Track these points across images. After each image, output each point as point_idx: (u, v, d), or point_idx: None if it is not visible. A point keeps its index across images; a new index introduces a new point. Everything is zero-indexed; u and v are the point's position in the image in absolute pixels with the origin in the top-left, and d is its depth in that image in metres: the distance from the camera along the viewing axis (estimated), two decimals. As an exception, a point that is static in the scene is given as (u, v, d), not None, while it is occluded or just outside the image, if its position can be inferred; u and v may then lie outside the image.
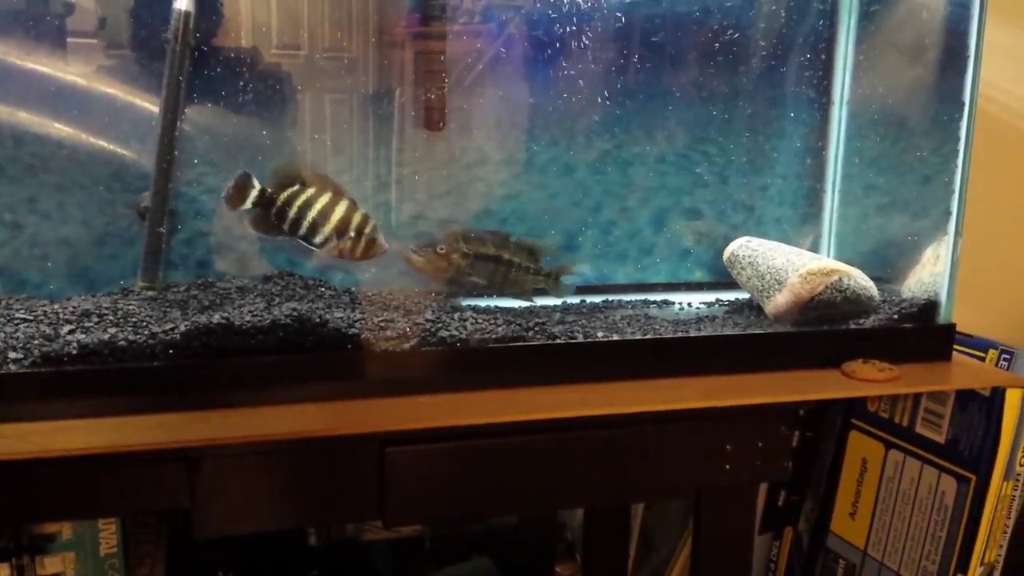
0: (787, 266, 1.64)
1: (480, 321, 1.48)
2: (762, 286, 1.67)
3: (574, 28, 1.72)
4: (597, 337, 1.49)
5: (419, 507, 1.39)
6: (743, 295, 1.79)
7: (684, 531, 1.99)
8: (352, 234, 1.51)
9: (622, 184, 1.83)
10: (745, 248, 1.74)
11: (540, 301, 1.66)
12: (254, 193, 1.48)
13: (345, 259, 1.53)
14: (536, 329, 1.48)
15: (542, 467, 1.42)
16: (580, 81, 1.75)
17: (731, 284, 1.80)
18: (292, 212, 1.49)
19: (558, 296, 1.69)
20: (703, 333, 1.58)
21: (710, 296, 1.84)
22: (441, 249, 1.60)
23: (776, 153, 1.92)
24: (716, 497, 1.53)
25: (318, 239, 1.51)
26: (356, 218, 1.51)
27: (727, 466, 1.47)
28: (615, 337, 1.50)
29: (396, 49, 1.66)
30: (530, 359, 1.45)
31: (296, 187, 1.50)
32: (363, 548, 1.83)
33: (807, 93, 1.90)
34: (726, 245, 1.79)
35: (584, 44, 1.73)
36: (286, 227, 1.50)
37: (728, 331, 1.59)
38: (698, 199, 1.89)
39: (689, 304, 1.79)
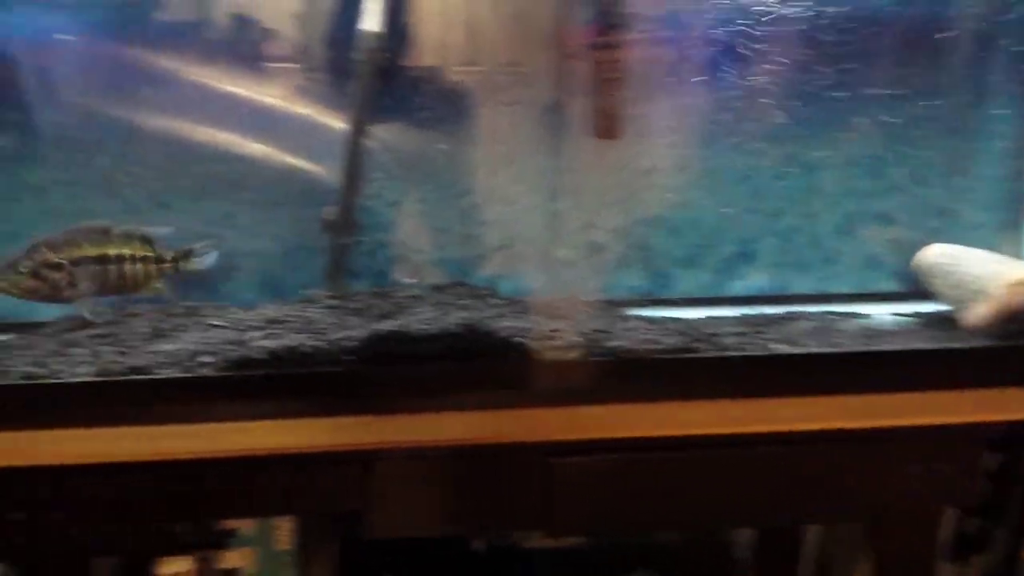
0: (989, 275, 1.49)
1: (649, 331, 1.44)
2: (959, 296, 1.53)
3: (754, 29, 1.65)
4: (774, 350, 1.41)
5: (584, 518, 1.37)
6: (935, 306, 1.64)
7: (863, 557, 1.85)
8: None
9: (806, 189, 1.73)
10: (939, 255, 1.60)
11: (706, 312, 1.59)
12: None
13: None
14: (708, 341, 1.43)
15: (711, 483, 1.36)
16: (761, 83, 1.68)
17: (921, 294, 1.66)
18: None
19: (187, 277, 1.55)
20: (889, 346, 1.46)
21: (898, 307, 1.70)
22: (23, 268, 1.41)
23: (977, 154, 1.75)
24: (897, 522, 1.41)
25: None
26: None
27: (910, 489, 1.36)
28: (793, 350, 1.42)
29: (572, 60, 1.66)
30: (701, 371, 1.39)
31: None
32: (525, 555, 1.82)
33: (1013, 89, 1.73)
34: (916, 252, 1.65)
35: (765, 45, 1.66)
36: None
37: (918, 344, 1.46)
38: (888, 204, 1.75)
39: (876, 315, 1.66)
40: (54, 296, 1.42)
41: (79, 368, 1.33)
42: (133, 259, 1.44)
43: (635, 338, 1.42)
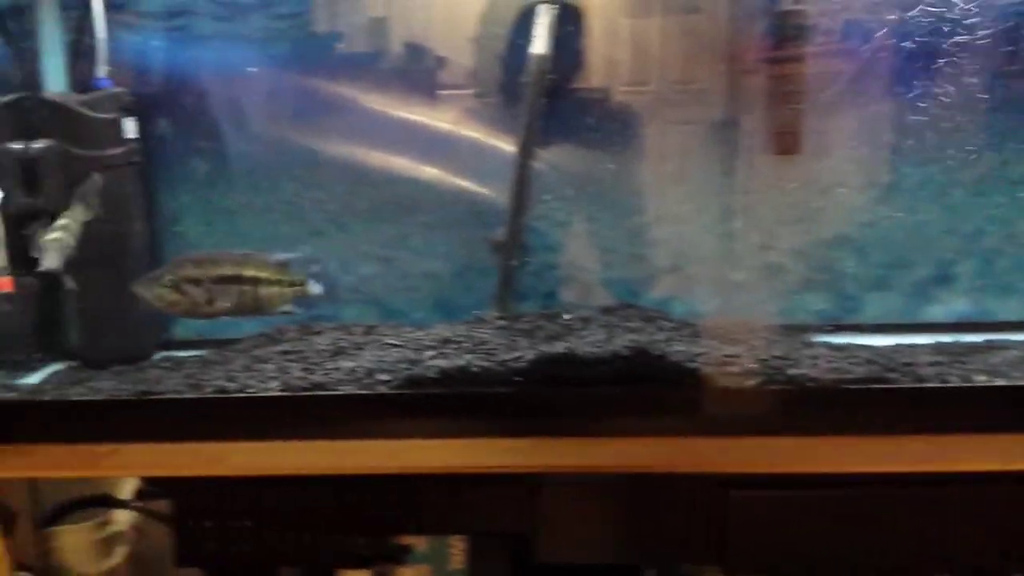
0: None
1: (835, 359, 1.36)
2: None
3: (945, 36, 1.53)
4: (977, 381, 1.29)
5: (763, 556, 1.30)
6: None
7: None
8: None
9: (1010, 206, 1.59)
10: None
11: (897, 339, 1.48)
12: None
13: None
14: (902, 370, 1.32)
15: (902, 526, 1.25)
16: (953, 93, 1.56)
17: None
18: None
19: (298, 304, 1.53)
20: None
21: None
22: (167, 281, 1.44)
23: None
24: None
25: None
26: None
27: None
28: (999, 382, 1.29)
29: (747, 75, 1.60)
30: (894, 403, 1.29)
31: None
32: (698, 591, 1.76)
33: None
34: None
35: (958, 53, 1.54)
36: None
37: None
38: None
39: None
40: (192, 311, 1.48)
41: (268, 383, 1.40)
42: (268, 282, 1.51)
43: (819, 366, 1.33)
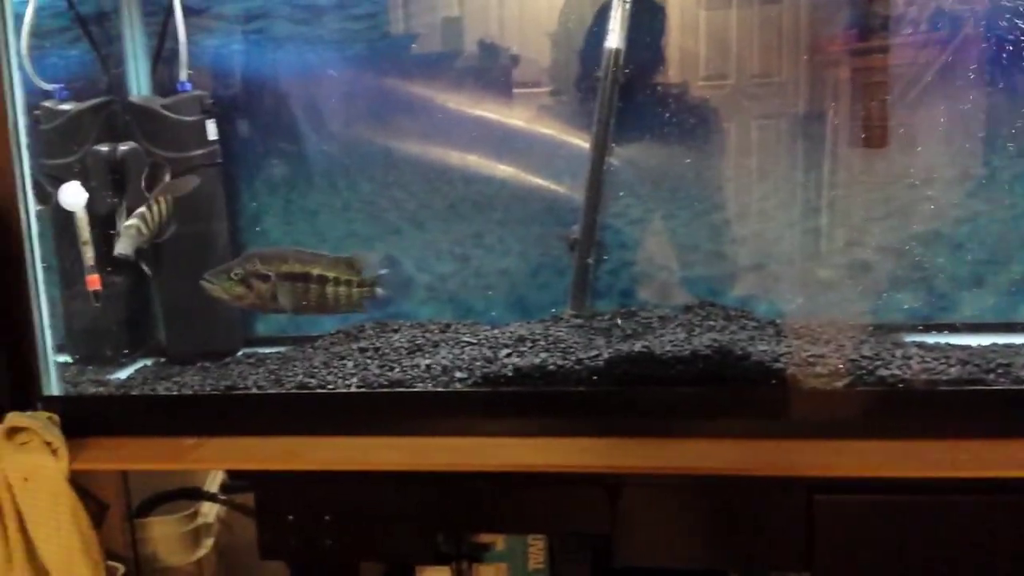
0: None
1: (928, 360, 1.30)
2: None
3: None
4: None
5: (853, 563, 1.25)
6: None
7: None
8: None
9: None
10: None
11: (993, 339, 1.42)
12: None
13: None
14: (999, 371, 1.26)
15: (1000, 533, 1.20)
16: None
17: None
18: None
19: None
20: None
21: None
22: (235, 275, 1.45)
23: None
24: None
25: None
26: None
27: None
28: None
29: (830, 68, 1.55)
30: (990, 406, 1.24)
31: None
32: (784, 598, 1.71)
33: None
34: None
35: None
36: None
37: None
38: None
39: None
40: (258, 305, 1.51)
41: (348, 380, 1.41)
42: (336, 281, 1.51)
43: (911, 367, 1.28)
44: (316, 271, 1.50)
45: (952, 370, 1.27)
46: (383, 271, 1.57)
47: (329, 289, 1.51)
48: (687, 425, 1.31)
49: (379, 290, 1.55)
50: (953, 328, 1.49)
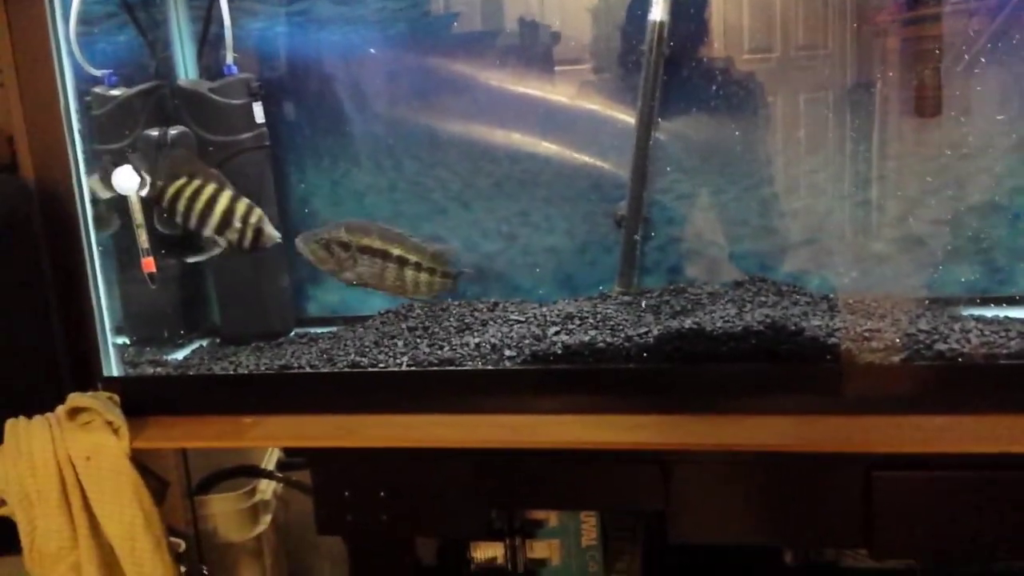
0: None
1: (988, 333, 1.28)
2: None
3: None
4: None
5: (910, 540, 1.24)
6: None
7: None
8: (238, 224, 1.46)
9: None
10: None
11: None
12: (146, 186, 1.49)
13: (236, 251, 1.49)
14: (1060, 345, 1.24)
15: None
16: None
17: None
18: (181, 205, 1.49)
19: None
20: None
21: None
22: (320, 239, 1.48)
23: None
24: None
25: (207, 231, 1.49)
26: (240, 208, 1.47)
27: None
28: None
29: (878, 37, 1.52)
30: (1052, 380, 1.22)
31: (184, 180, 1.50)
32: (843, 575, 1.70)
33: None
34: None
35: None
36: (179, 219, 1.50)
37: None
38: None
39: None
40: (336, 271, 1.53)
41: (399, 358, 1.42)
42: (417, 266, 1.53)
43: (970, 340, 1.26)
44: (397, 251, 1.52)
45: (1012, 343, 1.25)
46: (467, 269, 1.60)
47: (408, 272, 1.52)
48: (741, 402, 1.30)
49: (452, 283, 1.57)
50: (1012, 301, 1.46)
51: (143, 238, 1.52)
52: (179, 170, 1.53)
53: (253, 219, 1.50)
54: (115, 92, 1.59)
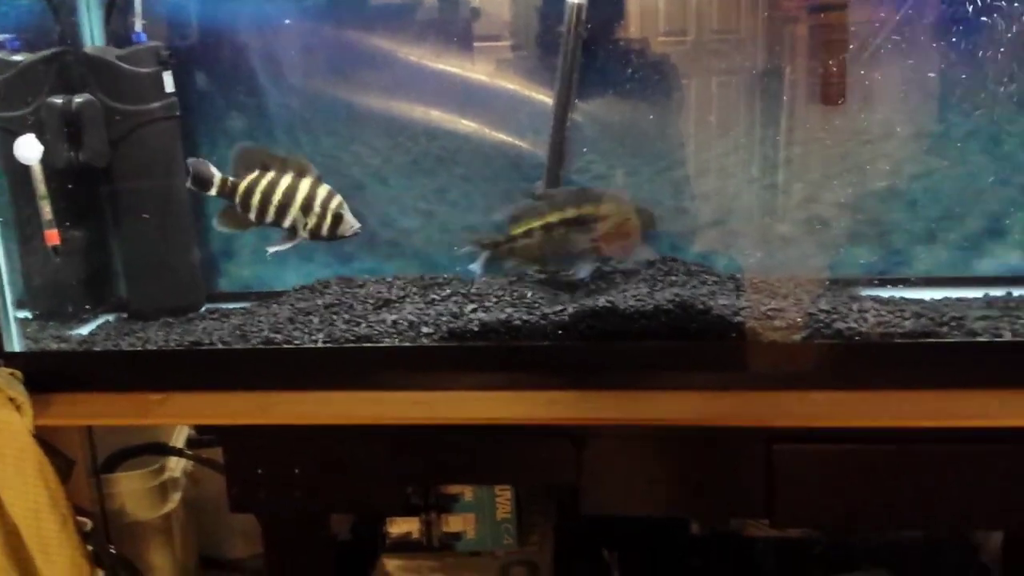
0: None
1: (884, 313, 1.34)
2: None
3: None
4: (1030, 336, 1.28)
5: (809, 510, 1.30)
6: None
7: None
8: (318, 211, 1.45)
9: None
10: None
11: (945, 293, 1.47)
12: (216, 182, 1.48)
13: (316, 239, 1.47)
14: (952, 324, 1.31)
15: (951, 481, 1.25)
16: (1008, 41, 1.51)
17: None
18: (256, 200, 1.47)
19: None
20: None
21: None
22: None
23: None
24: None
25: (286, 222, 1.47)
26: (321, 194, 1.46)
27: None
28: (1054, 337, 1.27)
29: (788, 24, 1.57)
30: (942, 358, 1.29)
31: (256, 172, 1.48)
32: (746, 544, 1.77)
33: None
34: None
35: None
36: (252, 216, 1.48)
37: None
38: None
39: None
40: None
41: (315, 335, 1.41)
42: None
43: (867, 320, 1.32)
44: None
45: (906, 323, 1.31)
46: None
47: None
48: (651, 378, 1.33)
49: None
50: (908, 282, 1.53)
51: (47, 210, 1.47)
52: (251, 164, 1.48)
53: (333, 204, 1.46)
54: (17, 57, 1.53)
